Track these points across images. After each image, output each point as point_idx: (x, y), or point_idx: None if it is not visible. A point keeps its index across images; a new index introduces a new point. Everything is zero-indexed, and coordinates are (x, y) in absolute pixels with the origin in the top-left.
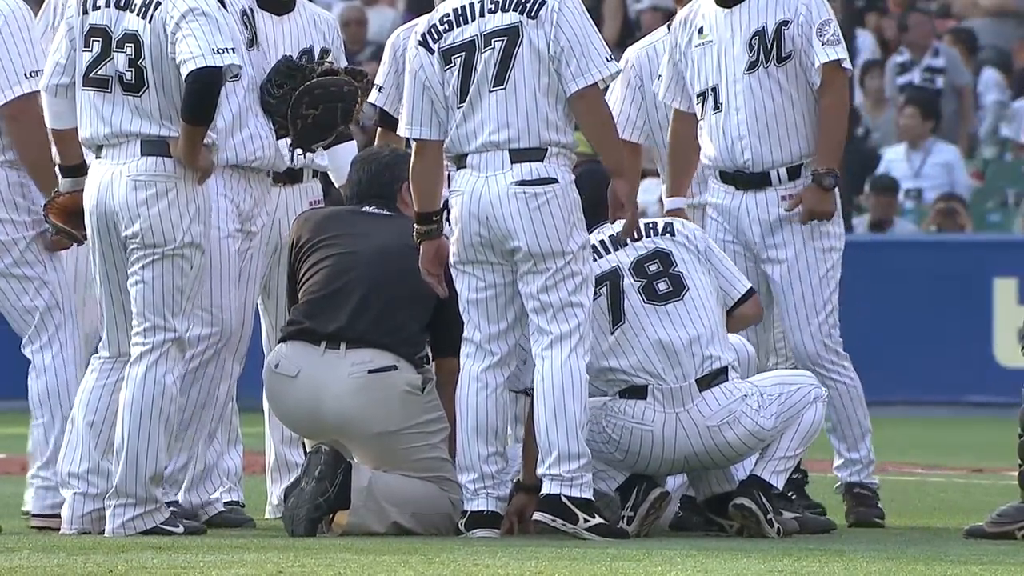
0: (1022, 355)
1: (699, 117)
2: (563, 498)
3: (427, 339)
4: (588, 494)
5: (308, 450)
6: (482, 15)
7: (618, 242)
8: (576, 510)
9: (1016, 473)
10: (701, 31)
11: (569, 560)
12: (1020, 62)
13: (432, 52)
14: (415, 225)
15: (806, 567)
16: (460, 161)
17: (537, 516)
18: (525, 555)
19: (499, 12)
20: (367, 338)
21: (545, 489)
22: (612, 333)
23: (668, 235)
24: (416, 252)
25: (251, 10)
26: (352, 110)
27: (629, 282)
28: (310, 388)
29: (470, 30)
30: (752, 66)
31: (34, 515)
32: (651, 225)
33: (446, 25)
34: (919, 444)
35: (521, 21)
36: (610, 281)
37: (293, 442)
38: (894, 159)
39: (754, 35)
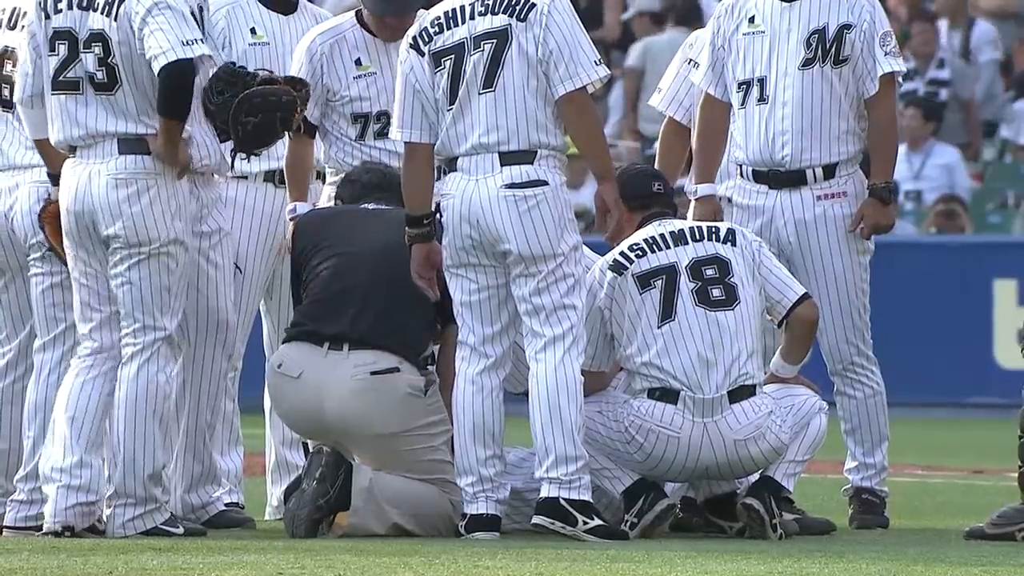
0: (1022, 356)
1: (737, 107)
2: (561, 501)
3: (431, 339)
4: (587, 496)
5: (310, 451)
6: (472, 18)
7: (679, 239)
8: (575, 512)
9: (1016, 474)
10: (752, 20)
11: (569, 561)
12: (1020, 63)
13: (422, 55)
14: (406, 228)
15: (806, 568)
16: (451, 164)
17: (536, 520)
18: (525, 556)
19: (489, 15)
20: (370, 339)
21: (543, 492)
22: (659, 327)
23: (729, 243)
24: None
25: (200, 9)
26: (291, 119)
27: (684, 281)
28: (312, 389)
29: (460, 33)
30: (808, 63)
31: (6, 527)
32: (713, 229)
33: (436, 28)
34: (919, 445)
35: (510, 24)
36: (667, 276)
37: (294, 443)
38: None
39: (813, 33)
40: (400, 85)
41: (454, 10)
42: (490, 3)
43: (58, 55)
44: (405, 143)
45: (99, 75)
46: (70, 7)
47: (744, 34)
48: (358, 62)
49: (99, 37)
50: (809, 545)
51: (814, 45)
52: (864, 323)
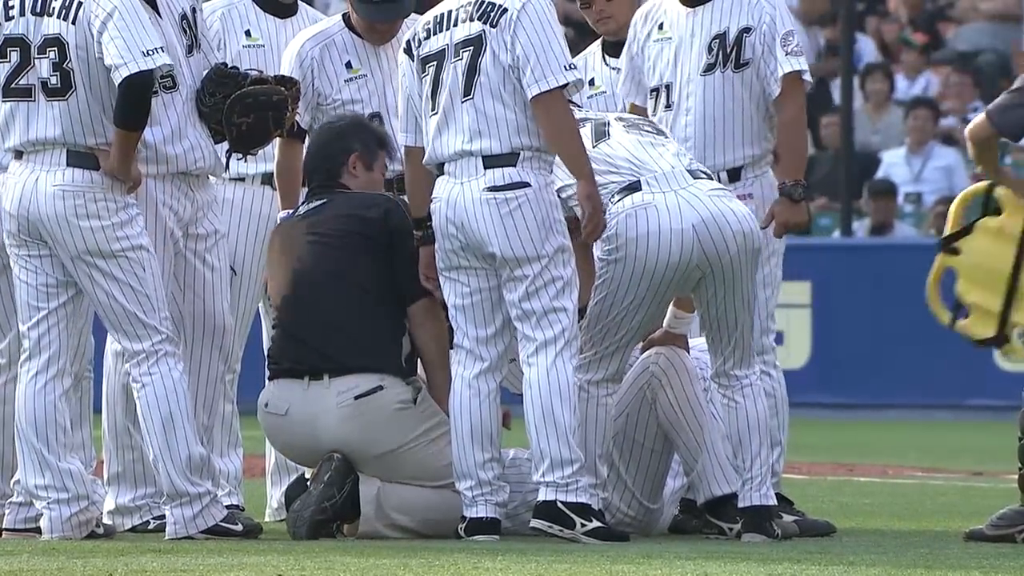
0: (1022, 359)
1: (650, 114)
2: (559, 504)
3: (403, 335)
4: (584, 498)
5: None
6: (455, 24)
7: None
8: (573, 515)
9: (1016, 477)
10: (661, 27)
11: (569, 563)
12: (1018, 66)
13: (413, 59)
14: (413, 231)
15: (806, 570)
16: (439, 168)
17: (534, 523)
18: (525, 558)
19: (468, 22)
20: (346, 365)
21: (541, 496)
22: (595, 147)
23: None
24: (363, 238)
25: (192, 11)
26: (283, 118)
27: (617, 122)
28: (302, 423)
29: (443, 40)
30: (709, 68)
31: (5, 529)
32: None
33: (425, 33)
34: (919, 447)
35: (484, 30)
36: (596, 123)
37: None
38: (894, 163)
39: (715, 38)
40: (400, 88)
41: (442, 15)
42: (471, 10)
43: (10, 62)
44: (404, 147)
45: (53, 80)
46: (22, 13)
47: (655, 41)
48: (348, 65)
49: (55, 42)
50: (809, 546)
51: (715, 50)
52: (760, 325)
